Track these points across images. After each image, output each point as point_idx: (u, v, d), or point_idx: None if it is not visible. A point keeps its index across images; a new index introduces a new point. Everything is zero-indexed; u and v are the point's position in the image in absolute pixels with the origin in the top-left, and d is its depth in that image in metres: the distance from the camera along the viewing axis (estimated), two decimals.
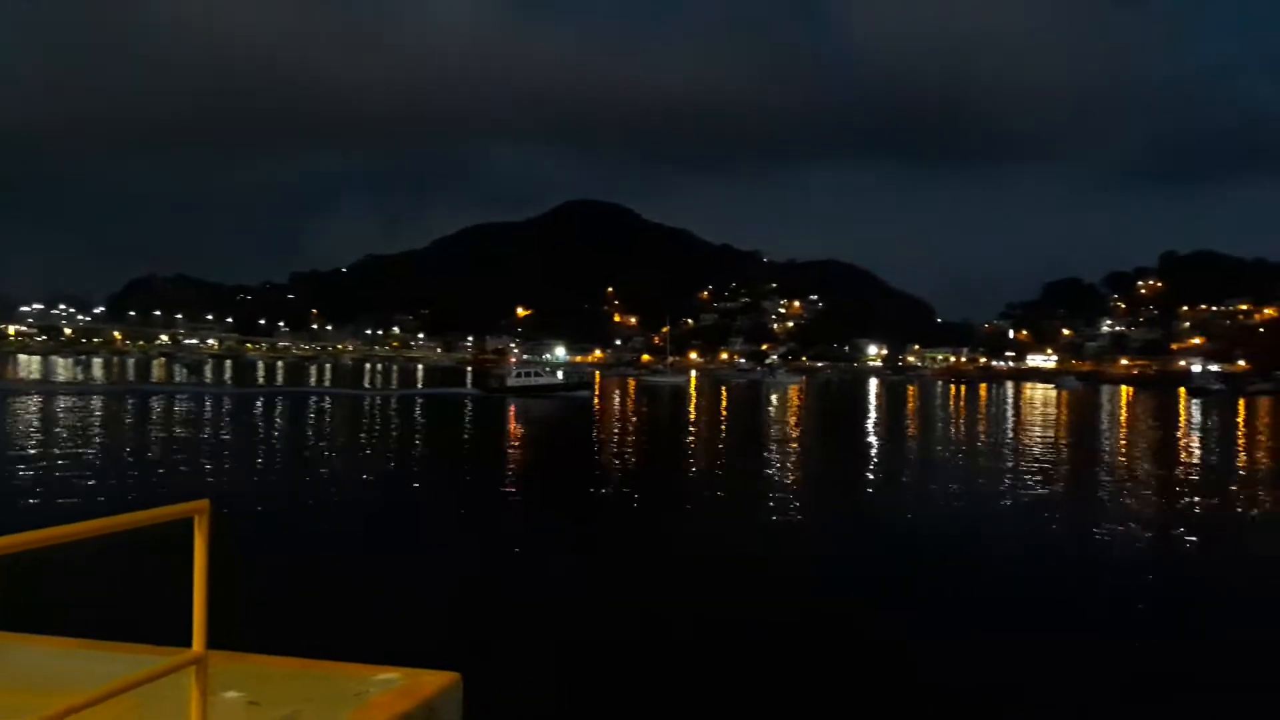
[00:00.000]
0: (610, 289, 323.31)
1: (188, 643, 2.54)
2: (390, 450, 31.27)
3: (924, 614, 12.21)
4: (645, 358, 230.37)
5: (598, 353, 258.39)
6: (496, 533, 17.30)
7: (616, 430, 42.70)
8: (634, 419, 50.24)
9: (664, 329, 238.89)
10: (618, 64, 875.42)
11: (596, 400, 68.29)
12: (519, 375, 75.67)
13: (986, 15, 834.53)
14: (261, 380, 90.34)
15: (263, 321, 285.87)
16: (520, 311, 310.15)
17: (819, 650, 10.62)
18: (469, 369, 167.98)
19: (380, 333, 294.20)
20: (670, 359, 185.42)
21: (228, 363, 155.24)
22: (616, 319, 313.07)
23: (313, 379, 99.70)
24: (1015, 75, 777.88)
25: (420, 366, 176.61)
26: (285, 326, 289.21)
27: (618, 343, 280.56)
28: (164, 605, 3.56)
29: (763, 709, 8.91)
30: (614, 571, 14.29)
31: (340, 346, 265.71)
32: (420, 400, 63.49)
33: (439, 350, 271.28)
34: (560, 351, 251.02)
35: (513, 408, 55.29)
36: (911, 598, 13.10)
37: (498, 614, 11.70)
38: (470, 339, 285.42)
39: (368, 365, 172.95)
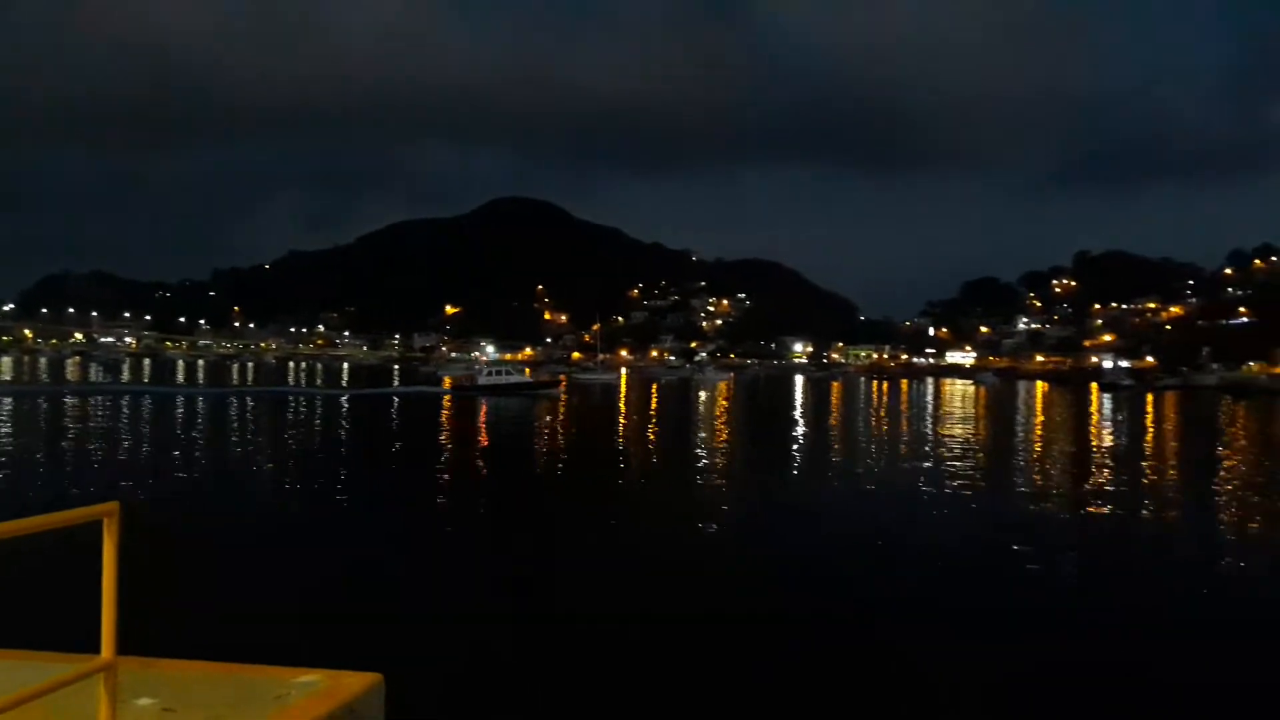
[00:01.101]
0: (541, 286, 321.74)
1: (98, 649, 2.46)
2: (336, 452, 30.80)
3: (845, 604, 12.57)
4: (576, 355, 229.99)
5: (528, 350, 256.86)
6: (425, 532, 17.25)
7: (553, 428, 42.71)
8: (564, 416, 50.25)
9: (595, 326, 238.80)
10: (549, 62, 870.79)
11: (563, 398, 68.94)
12: (489, 374, 76.65)
13: (912, 25, 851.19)
14: (182, 379, 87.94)
15: (183, 319, 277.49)
16: (449, 309, 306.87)
17: (746, 645, 10.85)
18: (396, 367, 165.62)
19: (305, 330, 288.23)
20: (601, 356, 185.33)
21: (146, 362, 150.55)
22: (547, 316, 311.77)
23: (290, 378, 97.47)
24: (939, 83, 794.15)
25: (346, 365, 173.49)
26: (206, 324, 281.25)
27: (548, 340, 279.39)
28: (73, 611, 3.46)
29: (690, 707, 9.01)
30: (540, 570, 14.35)
31: (263, 345, 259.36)
32: (397, 399, 63.67)
33: (365, 348, 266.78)
34: (490, 349, 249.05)
35: (484, 406, 55.78)
36: (835, 588, 13.46)
37: (420, 614, 11.61)
38: (397, 337, 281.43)
39: (291, 364, 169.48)
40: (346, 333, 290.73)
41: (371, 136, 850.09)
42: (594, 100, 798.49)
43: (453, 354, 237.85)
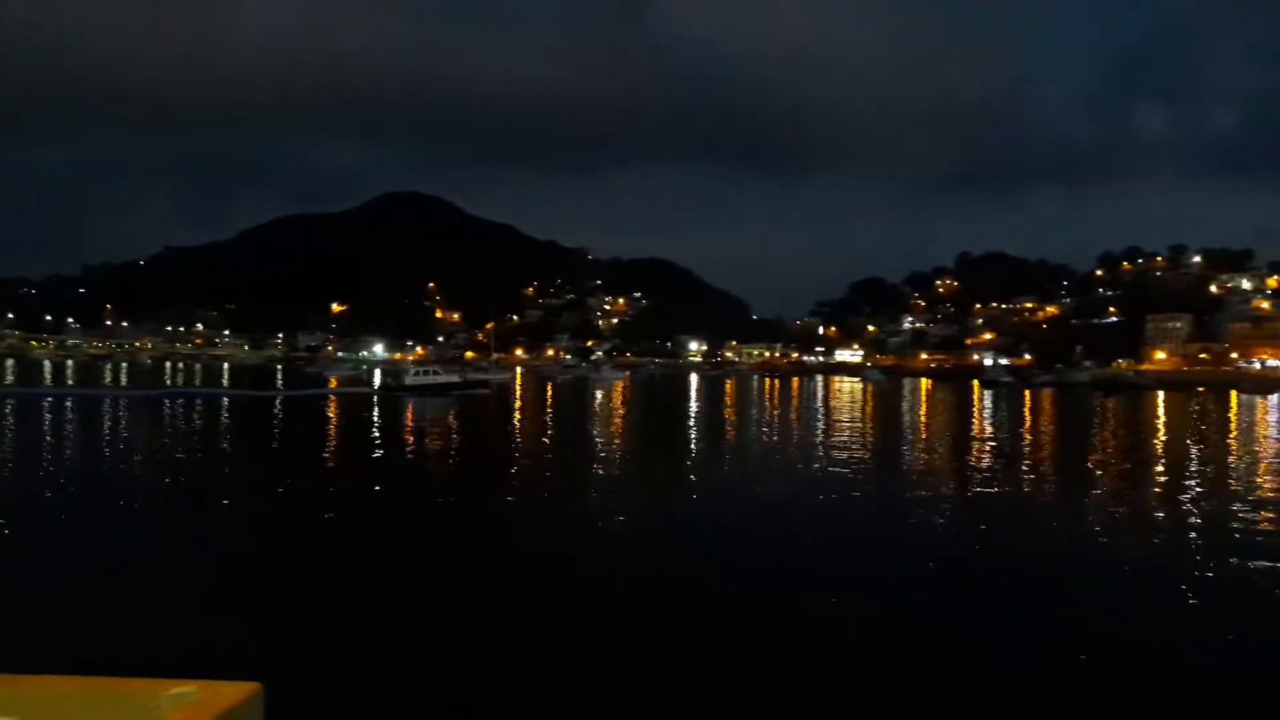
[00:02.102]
0: (432, 284, 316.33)
1: None
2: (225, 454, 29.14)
3: (729, 596, 12.33)
4: (469, 355, 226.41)
5: (419, 350, 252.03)
6: (310, 534, 16.36)
7: (459, 428, 41.69)
8: (457, 415, 49.12)
9: (488, 325, 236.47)
10: (440, 56, 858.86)
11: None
12: (416, 374, 75.92)
13: (806, 31, 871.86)
14: (50, 380, 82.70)
15: (49, 317, 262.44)
16: (335, 307, 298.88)
17: (624, 644, 10.48)
18: (279, 367, 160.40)
19: (182, 329, 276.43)
20: (495, 355, 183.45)
21: (10, 362, 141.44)
22: (439, 315, 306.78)
23: (177, 379, 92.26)
24: (829, 88, 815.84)
25: (226, 365, 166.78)
26: (75, 323, 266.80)
27: (440, 339, 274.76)
28: None
29: (580, 707, 8.78)
30: (425, 573, 13.71)
31: (138, 344, 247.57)
32: (326, 400, 61.68)
33: (246, 347, 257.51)
34: (379, 349, 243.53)
35: (410, 406, 54.93)
36: (719, 582, 13.22)
37: (302, 621, 11.01)
38: (281, 336, 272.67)
39: (168, 364, 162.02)
40: (227, 332, 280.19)
41: (254, 129, 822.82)
42: (488, 96, 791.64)
43: (339, 353, 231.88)
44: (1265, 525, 18.60)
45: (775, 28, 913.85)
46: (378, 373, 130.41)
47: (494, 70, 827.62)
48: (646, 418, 53.69)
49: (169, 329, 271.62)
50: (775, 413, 57.92)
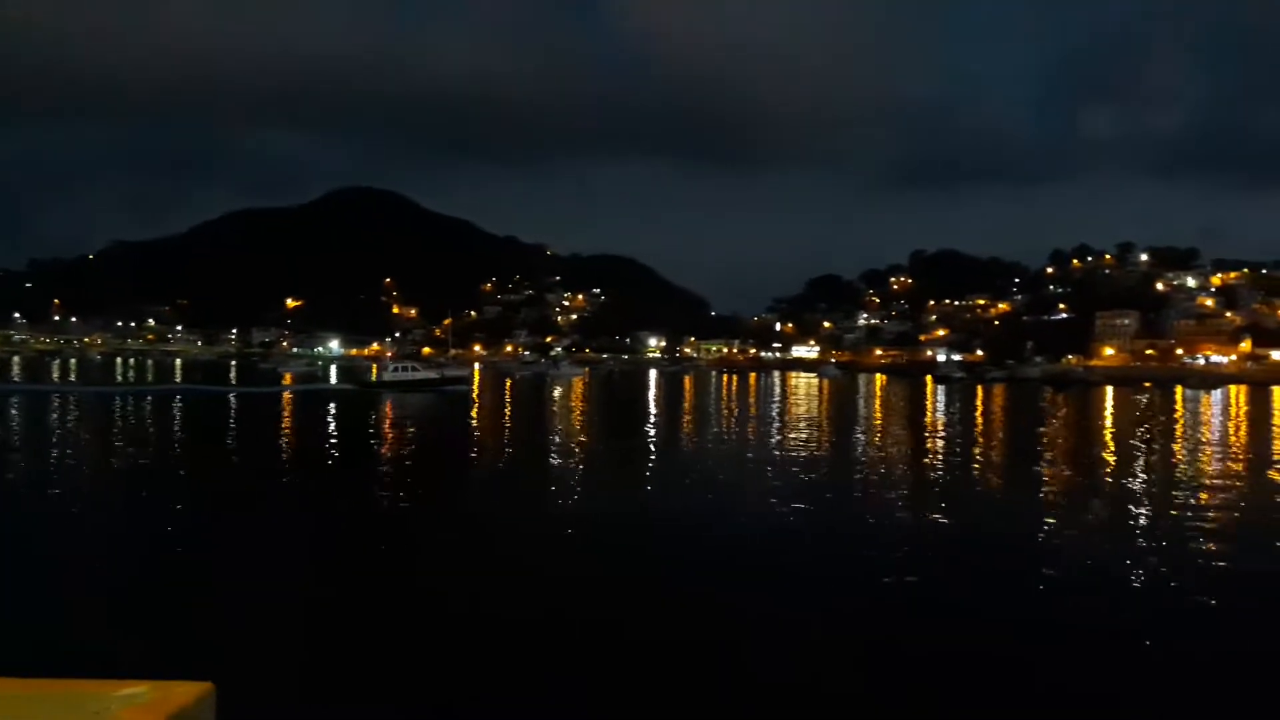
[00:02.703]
0: (388, 279, 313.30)
1: None
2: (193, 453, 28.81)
3: (683, 591, 12.61)
4: (426, 350, 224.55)
5: (375, 345, 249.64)
6: (266, 536, 16.38)
7: (409, 424, 41.53)
8: (418, 411, 48.94)
9: (446, 321, 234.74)
10: (397, 49, 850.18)
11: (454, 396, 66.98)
12: (395, 370, 75.27)
13: (764, 28, 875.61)
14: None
15: None
16: (290, 302, 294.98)
17: (568, 642, 10.71)
18: (233, 363, 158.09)
19: (133, 325, 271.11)
20: (453, 351, 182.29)
21: None
22: (395, 310, 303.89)
23: (122, 375, 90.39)
24: (787, 86, 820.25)
25: (179, 361, 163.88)
26: (21, 318, 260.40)
27: (397, 335, 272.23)
28: None
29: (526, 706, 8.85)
30: (377, 572, 13.83)
31: (88, 340, 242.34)
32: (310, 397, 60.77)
33: (200, 343, 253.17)
34: (334, 344, 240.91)
35: (389, 403, 54.34)
36: (676, 578, 13.49)
37: (256, 620, 10.99)
38: (234, 331, 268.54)
39: (119, 360, 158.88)
40: (179, 327, 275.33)
41: (207, 122, 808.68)
42: (446, 91, 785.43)
43: (294, 349, 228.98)
44: (1206, 515, 19.19)
45: (732, 23, 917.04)
46: (334, 369, 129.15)
47: (452, 64, 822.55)
48: (607, 414, 53.85)
49: (119, 325, 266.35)
50: (733, 409, 58.39)
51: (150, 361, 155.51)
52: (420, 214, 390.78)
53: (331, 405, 52.17)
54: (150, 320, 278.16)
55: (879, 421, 48.51)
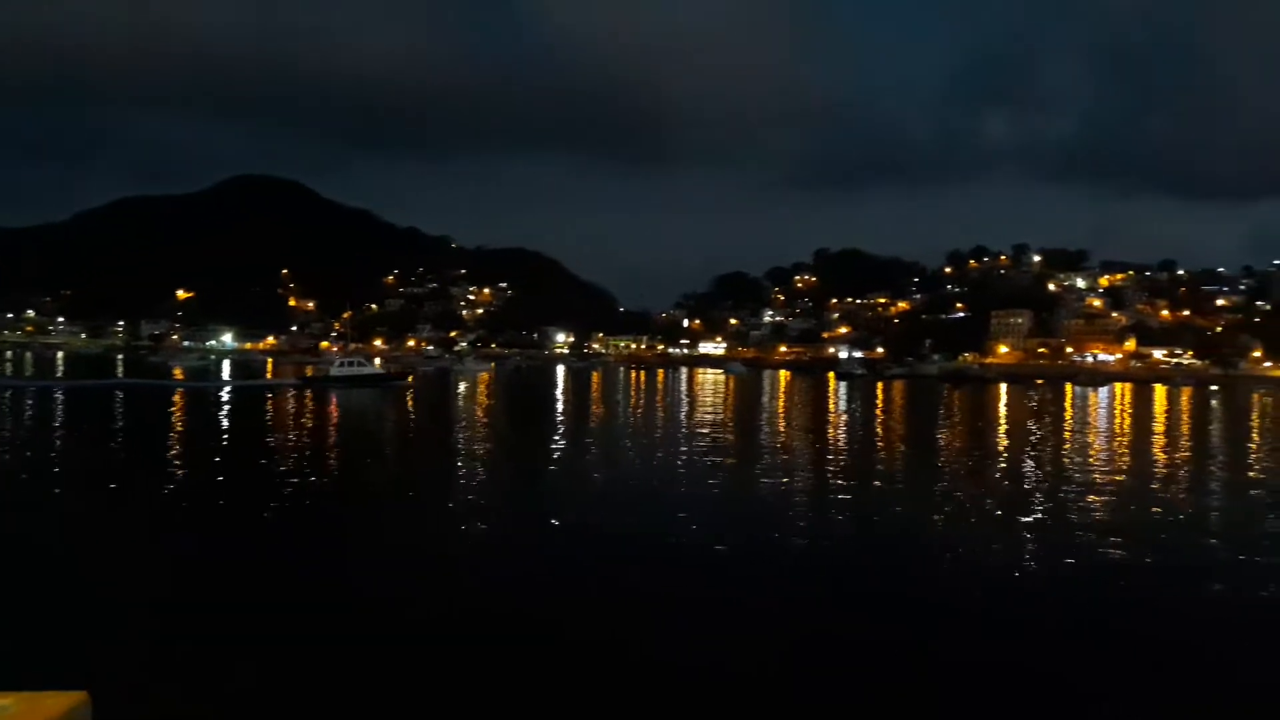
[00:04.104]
0: (285, 271, 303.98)
1: None
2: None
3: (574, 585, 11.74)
4: (325, 345, 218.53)
5: (270, 339, 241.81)
6: (147, 537, 14.87)
7: (320, 420, 39.53)
8: (312, 409, 46.82)
9: (346, 314, 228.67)
10: (296, 35, 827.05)
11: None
12: (342, 365, 75.28)
13: (671, 24, 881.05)
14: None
15: None
16: (181, 294, 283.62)
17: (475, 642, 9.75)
18: (120, 356, 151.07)
19: (10, 316, 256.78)
20: (353, 345, 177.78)
21: None
22: (293, 303, 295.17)
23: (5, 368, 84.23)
24: (694, 83, 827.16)
25: (60, 354, 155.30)
26: None
27: (294, 329, 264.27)
28: None
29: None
30: (264, 577, 12.56)
31: None
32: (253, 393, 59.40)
33: (84, 335, 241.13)
34: (228, 338, 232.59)
35: (334, 398, 53.93)
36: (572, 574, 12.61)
37: (132, 627, 10.23)
38: (122, 324, 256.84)
39: None
40: (61, 319, 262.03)
41: (92, 105, 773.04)
42: (346, 76, 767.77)
43: (185, 342, 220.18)
44: (1089, 506, 19.59)
45: (638, 17, 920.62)
46: (226, 363, 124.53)
47: (353, 49, 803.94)
48: (513, 411, 52.64)
49: None
50: (640, 405, 57.81)
51: (29, 355, 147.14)
52: (319, 203, 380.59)
53: (269, 400, 50.07)
54: (30, 311, 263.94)
55: (781, 417, 48.47)
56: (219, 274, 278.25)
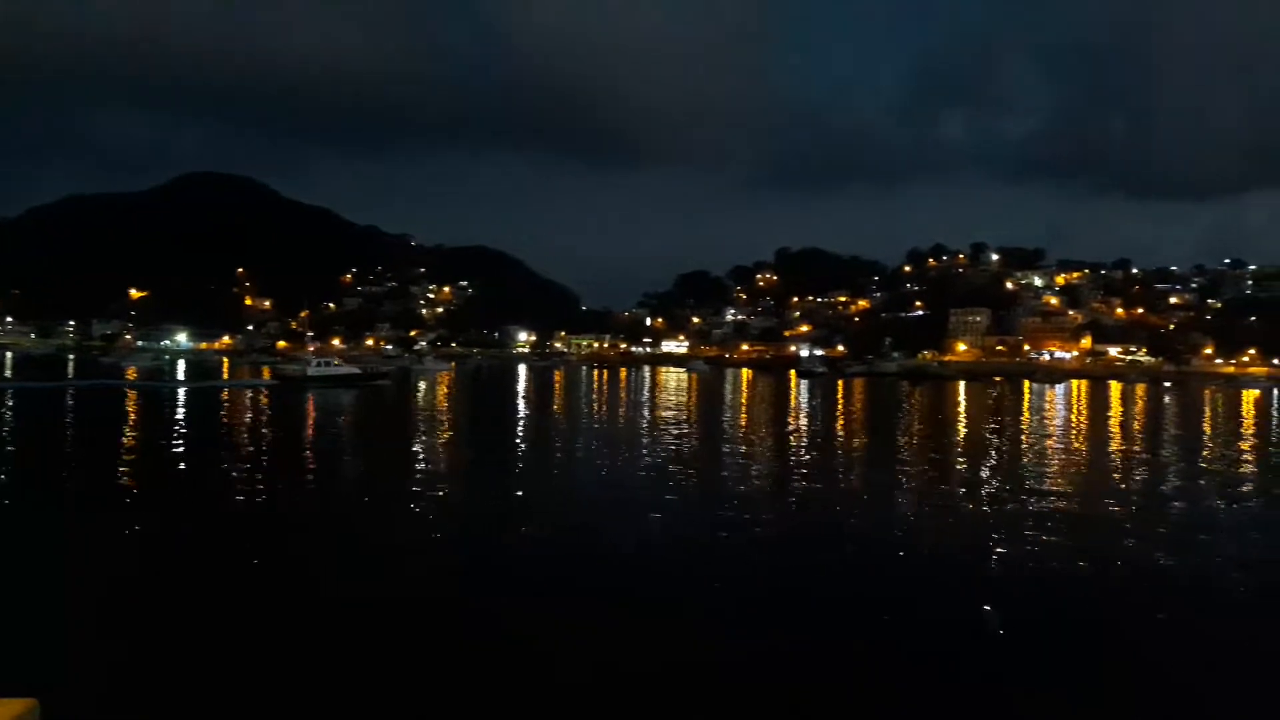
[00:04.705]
0: (241, 269, 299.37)
1: None
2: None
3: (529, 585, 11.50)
4: (281, 344, 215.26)
5: (226, 339, 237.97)
6: (98, 540, 14.37)
7: (259, 420, 38.80)
8: (268, 411, 45.99)
9: (303, 313, 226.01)
10: (253, 30, 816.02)
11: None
12: (319, 365, 75.36)
13: (635, 23, 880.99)
14: None
15: None
16: (134, 293, 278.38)
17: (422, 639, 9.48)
18: (71, 357, 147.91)
19: None
20: (311, 345, 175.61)
21: None
22: (249, 302, 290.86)
23: None
24: (658, 82, 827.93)
25: (10, 355, 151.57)
26: None
27: (250, 328, 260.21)
28: None
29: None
30: (222, 581, 12.19)
31: None
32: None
33: (33, 335, 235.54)
34: (182, 338, 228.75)
35: (311, 398, 53.67)
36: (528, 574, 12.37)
37: (84, 631, 10.07)
38: (73, 324, 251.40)
39: None
40: (9, 318, 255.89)
41: (43, 99, 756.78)
42: (307, 73, 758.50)
43: (139, 342, 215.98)
44: (1047, 499, 19.89)
45: (603, 15, 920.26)
46: (181, 363, 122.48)
47: (313, 46, 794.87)
48: (473, 413, 52.15)
49: None
50: (603, 405, 57.55)
51: None
52: (277, 201, 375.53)
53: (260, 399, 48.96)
54: None
55: (743, 415, 48.48)
56: (174, 272, 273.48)
